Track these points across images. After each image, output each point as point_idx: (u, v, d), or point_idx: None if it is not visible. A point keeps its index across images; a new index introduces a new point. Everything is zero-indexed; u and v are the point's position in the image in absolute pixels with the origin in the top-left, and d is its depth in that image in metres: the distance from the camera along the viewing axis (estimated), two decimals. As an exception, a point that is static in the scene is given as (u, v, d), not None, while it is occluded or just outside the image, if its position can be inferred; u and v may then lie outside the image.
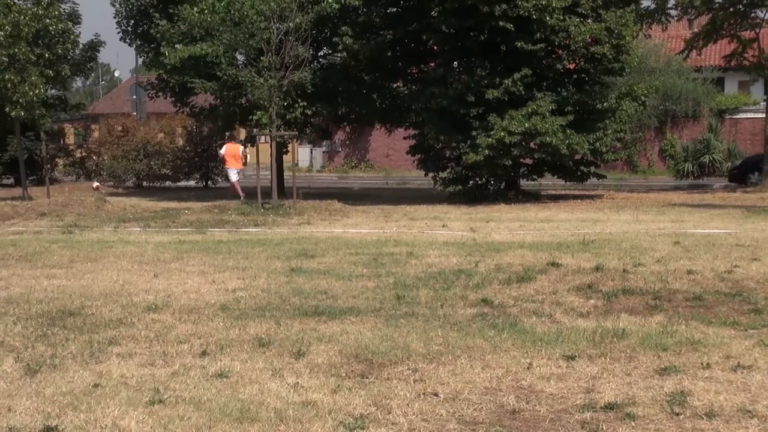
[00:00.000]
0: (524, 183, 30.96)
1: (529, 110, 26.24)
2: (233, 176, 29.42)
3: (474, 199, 27.71)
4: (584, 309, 9.85)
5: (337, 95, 30.98)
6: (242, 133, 40.48)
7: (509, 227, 19.59)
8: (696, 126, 45.61)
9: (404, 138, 32.67)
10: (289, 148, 34.37)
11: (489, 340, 8.32)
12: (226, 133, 34.58)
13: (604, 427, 5.91)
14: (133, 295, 10.93)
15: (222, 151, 30.16)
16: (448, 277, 12.01)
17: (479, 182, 28.92)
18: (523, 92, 26.63)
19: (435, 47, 29.10)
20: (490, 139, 25.93)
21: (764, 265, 12.71)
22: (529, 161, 28.90)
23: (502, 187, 29.24)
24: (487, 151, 26.03)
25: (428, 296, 10.64)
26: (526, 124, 25.80)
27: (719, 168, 42.50)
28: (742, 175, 34.64)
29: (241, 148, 29.85)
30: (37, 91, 27.05)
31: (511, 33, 26.37)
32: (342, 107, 32.05)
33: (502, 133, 25.74)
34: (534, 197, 28.78)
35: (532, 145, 26.91)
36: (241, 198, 27.30)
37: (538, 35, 26.45)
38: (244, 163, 30.38)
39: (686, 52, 36.10)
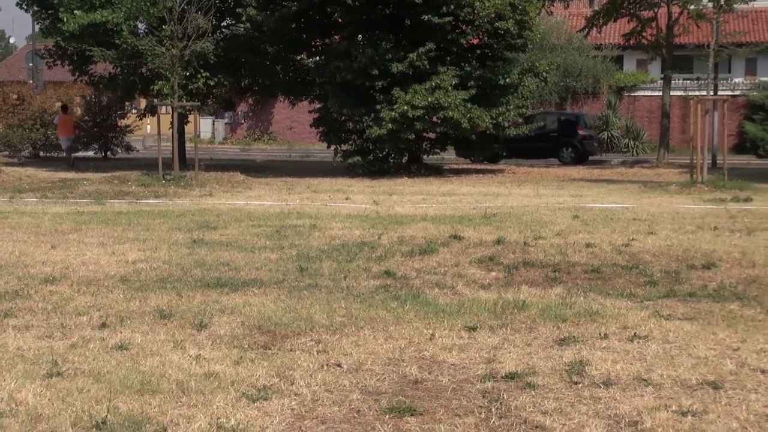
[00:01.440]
0: (427, 157, 31.10)
1: (433, 84, 26.37)
2: (65, 144, 34.32)
3: (376, 173, 27.76)
4: (486, 281, 9.96)
5: (240, 66, 30.66)
6: (143, 103, 39.82)
7: (412, 200, 19.68)
8: (595, 103, 46.37)
9: (309, 112, 32.52)
10: (191, 119, 33.95)
11: (392, 311, 8.36)
12: (59, 104, 37.52)
13: (505, 396, 5.99)
14: (29, 267, 10.69)
15: (55, 121, 34.91)
16: (351, 250, 12.03)
17: (381, 155, 28.98)
18: (427, 66, 26.71)
19: (340, 20, 28.96)
20: (393, 113, 25.99)
21: (659, 239, 13.02)
22: (432, 135, 29.05)
23: (404, 161, 29.35)
24: (390, 125, 26.08)
25: (331, 268, 10.65)
26: (430, 98, 25.93)
27: (617, 144, 43.36)
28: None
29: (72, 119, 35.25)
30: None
31: (417, 6, 26.40)
32: (245, 78, 31.74)
33: (406, 107, 25.82)
34: (437, 171, 28.97)
35: (434, 119, 27.06)
36: (70, 165, 32.07)
37: (444, 9, 26.53)
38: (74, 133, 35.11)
39: (587, 30, 36.66)
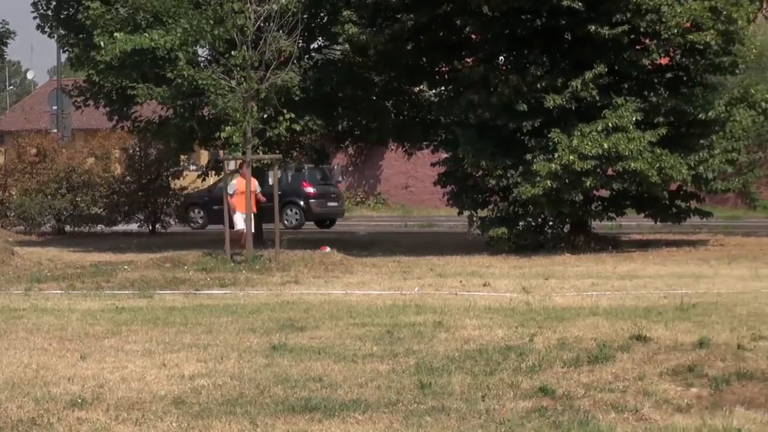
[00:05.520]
0: (597, 224, 30.85)
1: (608, 124, 26.02)
2: (241, 223, 28.92)
3: (527, 247, 27.61)
4: (684, 401, 9.85)
5: (336, 103, 31.03)
6: (204, 157, 40.61)
7: (577, 286, 19.58)
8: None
9: (432, 165, 32.67)
10: (271, 177, 34.47)
11: (550, 445, 8.31)
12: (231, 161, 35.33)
13: None
14: (51, 385, 10.93)
15: (231, 190, 28.50)
16: (491, 357, 12.01)
17: (534, 223, 28.83)
18: (597, 98, 26.52)
19: (473, 36, 29.13)
20: (552, 165, 25.65)
21: None
22: (604, 193, 28.82)
23: (566, 231, 29.15)
24: (548, 181, 25.75)
25: (464, 384, 10.63)
26: (605, 144, 25.53)
27: None
28: (183, 213, 40.93)
29: (255, 182, 29.21)
30: None
31: (579, 14, 26.32)
32: (343, 120, 32.10)
33: (571, 157, 25.44)
34: (611, 244, 28.73)
35: (609, 171, 26.85)
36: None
37: (618, 17, 26.37)
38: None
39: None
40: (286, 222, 40.20)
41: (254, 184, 28.43)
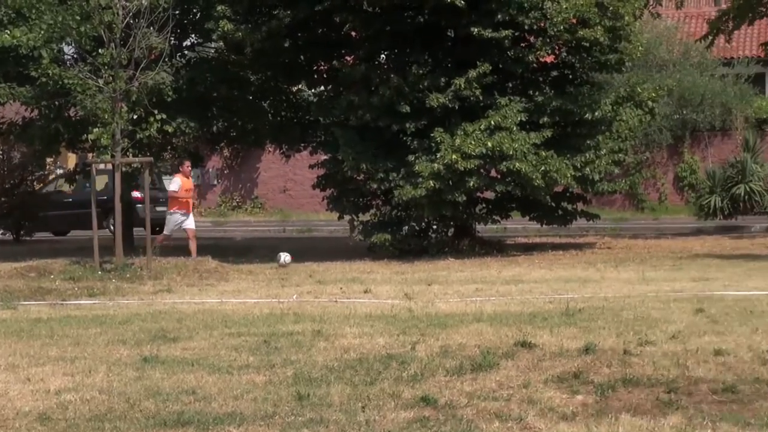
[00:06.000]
0: (482, 227, 31.03)
1: (491, 123, 26.19)
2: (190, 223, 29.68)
3: (409, 253, 27.67)
4: (569, 408, 9.93)
5: (210, 104, 30.86)
6: (71, 160, 40.11)
7: (461, 292, 19.70)
8: (726, 143, 46.23)
9: (311, 167, 32.65)
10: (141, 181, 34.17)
11: (431, 456, 8.36)
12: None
13: None
14: None
15: (176, 187, 29.28)
16: (372, 366, 12.04)
17: (417, 228, 28.90)
18: (480, 98, 26.68)
19: (353, 33, 29.11)
20: (435, 165, 25.72)
21: (824, 341, 12.94)
22: (488, 195, 28.98)
23: (450, 235, 29.28)
24: (431, 181, 25.83)
25: (343, 394, 10.64)
26: (489, 144, 25.69)
27: (759, 202, 43.01)
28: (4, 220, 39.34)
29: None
30: None
31: (461, 14, 26.46)
32: (218, 121, 31.92)
33: (454, 156, 25.54)
34: (496, 248, 28.92)
35: (493, 172, 26.99)
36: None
37: (500, 16, 26.54)
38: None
39: (710, 38, 36.67)
40: (112, 227, 37.29)
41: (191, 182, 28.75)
